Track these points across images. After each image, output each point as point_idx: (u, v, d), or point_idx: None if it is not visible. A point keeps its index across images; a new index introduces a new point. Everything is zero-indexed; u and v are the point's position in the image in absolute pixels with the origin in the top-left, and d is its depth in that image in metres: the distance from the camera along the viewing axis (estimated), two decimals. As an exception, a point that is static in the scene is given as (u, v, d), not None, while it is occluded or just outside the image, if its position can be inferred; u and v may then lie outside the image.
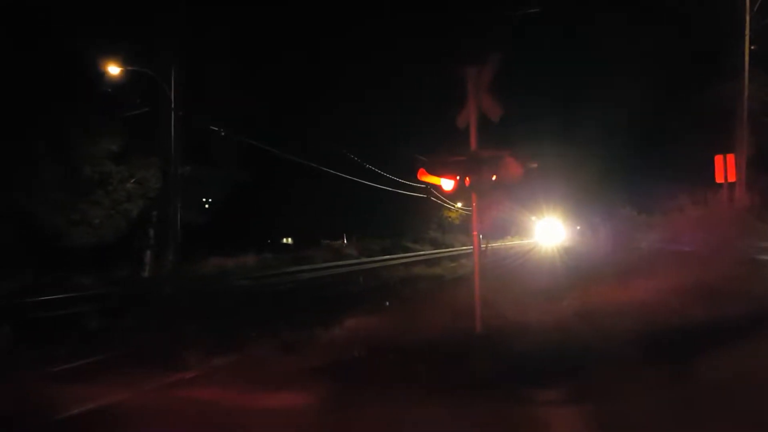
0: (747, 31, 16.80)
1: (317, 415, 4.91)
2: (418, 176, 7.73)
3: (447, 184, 7.52)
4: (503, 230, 55.53)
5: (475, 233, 7.95)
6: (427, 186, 36.91)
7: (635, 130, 34.83)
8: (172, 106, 21.13)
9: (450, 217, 50.48)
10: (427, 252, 39.32)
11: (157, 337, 9.05)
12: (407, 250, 39.84)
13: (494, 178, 7.35)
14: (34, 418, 5.01)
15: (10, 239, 18.37)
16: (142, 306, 12.39)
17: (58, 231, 20.25)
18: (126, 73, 20.37)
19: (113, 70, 19.93)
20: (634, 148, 37.69)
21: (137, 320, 10.53)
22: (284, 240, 38.51)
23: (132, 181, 22.23)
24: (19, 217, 18.98)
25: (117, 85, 20.48)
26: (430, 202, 43.75)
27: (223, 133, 22.33)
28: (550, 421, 4.65)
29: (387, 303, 12.08)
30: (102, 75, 19.96)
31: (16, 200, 18.90)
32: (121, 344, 8.48)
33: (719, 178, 15.36)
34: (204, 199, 28.52)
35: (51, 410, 5.15)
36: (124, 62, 20.15)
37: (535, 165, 7.80)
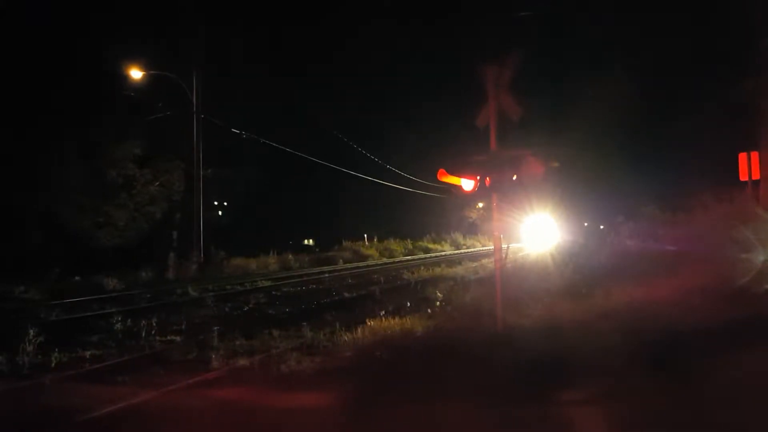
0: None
1: (341, 415, 4.94)
2: (438, 176, 7.70)
3: (467, 184, 7.50)
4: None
5: (496, 234, 7.94)
6: (447, 186, 36.76)
7: (657, 128, 34.42)
8: (194, 109, 21.38)
9: (471, 217, 50.28)
10: (448, 252, 39.26)
11: (182, 337, 9.18)
12: (428, 250, 39.82)
13: (515, 177, 7.34)
14: (64, 418, 5.11)
15: (39, 241, 18.76)
16: (167, 307, 12.56)
17: (84, 233, 20.64)
18: (149, 77, 20.68)
19: (136, 74, 20.22)
20: (655, 145, 37.24)
21: (162, 321, 10.68)
22: (306, 241, 38.69)
23: (156, 183, 22.55)
24: (47, 220, 19.38)
25: (140, 88, 20.79)
26: (450, 202, 43.66)
27: (244, 135, 22.51)
28: (573, 421, 4.64)
29: (408, 303, 12.08)
30: (125, 79, 20.27)
31: (44, 203, 19.30)
32: (147, 345, 8.61)
33: (743, 176, 15.09)
34: (225, 201, 28.80)
35: (79, 411, 5.24)
36: (146, 66, 20.46)
37: (556, 164, 7.77)
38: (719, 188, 14.23)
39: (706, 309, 7.37)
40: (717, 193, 13.90)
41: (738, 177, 15.18)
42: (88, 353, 8.05)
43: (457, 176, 7.58)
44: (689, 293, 8.44)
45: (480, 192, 7.63)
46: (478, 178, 7.35)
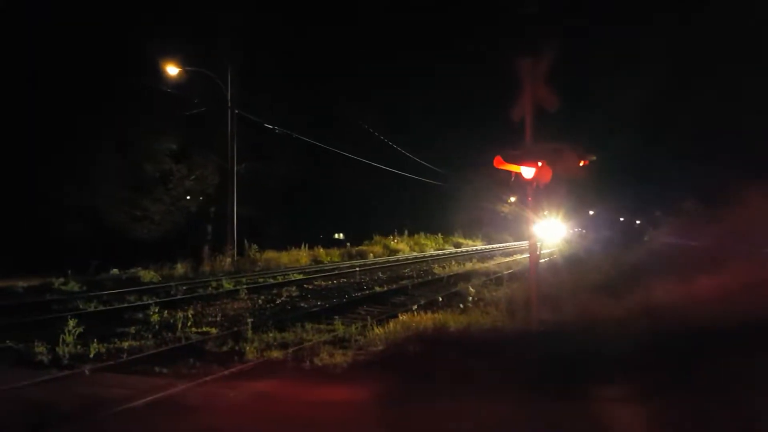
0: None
1: (374, 408, 4.92)
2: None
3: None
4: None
5: (531, 229, 7.83)
6: (471, 180, 36.52)
7: (699, 118, 33.53)
8: (229, 104, 21.58)
9: (503, 212, 49.86)
10: (480, 247, 39.02)
11: (217, 329, 9.28)
12: (459, 245, 39.63)
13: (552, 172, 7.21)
14: (103, 407, 5.18)
15: (78, 234, 19.21)
16: (202, 299, 12.73)
17: (122, 226, 21.07)
18: (184, 74, 20.89)
19: (172, 70, 20.43)
20: (697, 137, 36.30)
21: (198, 313, 10.83)
22: (336, 235, 38.81)
23: (191, 178, 22.88)
24: (86, 214, 19.83)
25: (176, 85, 21.04)
26: (482, 197, 43.32)
27: (277, 131, 22.66)
28: (610, 419, 4.54)
29: (440, 299, 12.03)
30: (162, 75, 20.53)
31: (83, 197, 19.75)
32: (184, 337, 8.73)
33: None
34: (258, 195, 29.02)
35: (118, 400, 5.33)
36: (182, 63, 20.69)
37: (594, 157, 7.59)
38: (763, 183, 13.78)
39: (752, 310, 7.12)
40: (761, 189, 13.47)
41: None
42: (125, 344, 8.18)
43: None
44: (733, 293, 8.18)
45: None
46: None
